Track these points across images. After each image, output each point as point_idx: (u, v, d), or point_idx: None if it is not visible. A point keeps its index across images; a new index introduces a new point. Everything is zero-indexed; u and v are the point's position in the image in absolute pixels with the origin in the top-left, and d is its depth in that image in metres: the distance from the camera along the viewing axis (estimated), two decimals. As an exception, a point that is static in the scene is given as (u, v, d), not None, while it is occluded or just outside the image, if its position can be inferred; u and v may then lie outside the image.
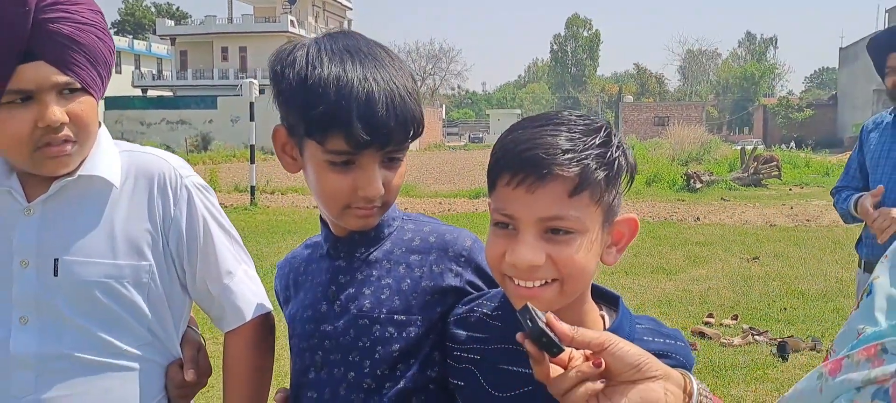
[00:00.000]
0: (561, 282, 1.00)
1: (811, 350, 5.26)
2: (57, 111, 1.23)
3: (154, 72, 57.00)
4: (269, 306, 1.48)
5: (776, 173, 20.12)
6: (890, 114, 3.06)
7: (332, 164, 1.15)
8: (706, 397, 0.90)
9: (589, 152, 0.98)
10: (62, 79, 1.23)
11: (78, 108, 1.26)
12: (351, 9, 67.94)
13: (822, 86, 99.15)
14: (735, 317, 6.15)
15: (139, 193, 1.36)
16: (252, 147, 14.59)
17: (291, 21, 54.62)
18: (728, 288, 7.28)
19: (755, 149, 22.88)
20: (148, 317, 1.35)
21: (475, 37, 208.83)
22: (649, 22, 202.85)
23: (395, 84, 1.14)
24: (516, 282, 1.01)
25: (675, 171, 20.44)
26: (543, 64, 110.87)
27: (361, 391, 1.19)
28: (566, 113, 1.04)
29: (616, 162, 1.01)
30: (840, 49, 63.84)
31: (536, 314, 0.85)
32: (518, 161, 0.98)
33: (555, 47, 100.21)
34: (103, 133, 1.37)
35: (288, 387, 1.35)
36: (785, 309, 6.52)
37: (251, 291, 1.44)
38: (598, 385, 0.85)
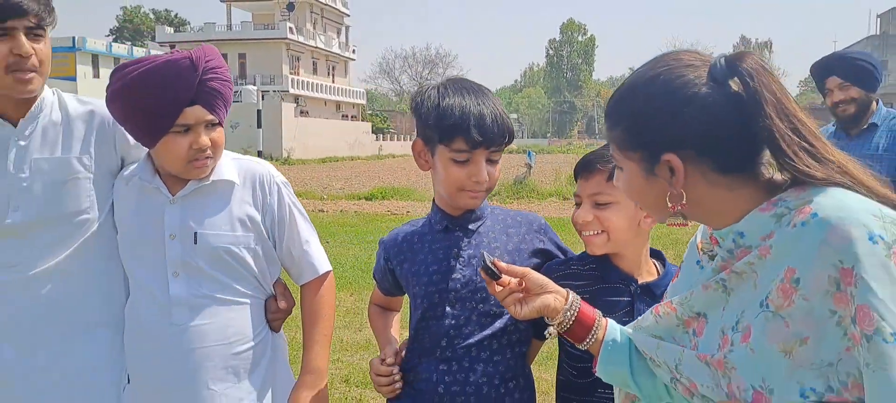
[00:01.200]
0: (607, 234, 1.75)
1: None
2: (205, 139, 1.80)
3: (153, 78, 57.22)
4: (329, 265, 2.05)
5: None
6: (832, 126, 3.60)
7: (454, 161, 1.75)
8: (577, 299, 1.46)
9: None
10: (210, 117, 1.81)
11: (217, 137, 1.84)
12: (348, 15, 68.35)
13: (816, 89, 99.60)
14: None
15: (247, 188, 1.93)
16: (259, 152, 15.04)
17: (290, 28, 55.02)
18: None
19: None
20: (254, 270, 1.92)
21: (471, 42, 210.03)
22: (644, 26, 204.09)
23: (495, 107, 1.76)
24: (584, 234, 1.77)
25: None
26: (539, 68, 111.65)
27: (487, 317, 1.81)
28: None
29: None
30: (834, 53, 64.50)
31: (487, 257, 1.46)
32: (579, 164, 1.82)
33: (550, 52, 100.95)
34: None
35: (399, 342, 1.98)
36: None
37: (320, 255, 2.03)
38: (519, 295, 1.45)
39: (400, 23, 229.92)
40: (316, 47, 59.87)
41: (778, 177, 1.20)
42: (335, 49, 63.96)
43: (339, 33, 66.57)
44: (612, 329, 1.42)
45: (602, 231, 1.76)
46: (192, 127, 1.78)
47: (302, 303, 2.02)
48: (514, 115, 73.90)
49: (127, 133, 1.90)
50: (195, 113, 1.78)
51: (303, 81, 55.17)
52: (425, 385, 1.83)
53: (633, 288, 1.80)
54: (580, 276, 1.82)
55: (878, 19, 58.35)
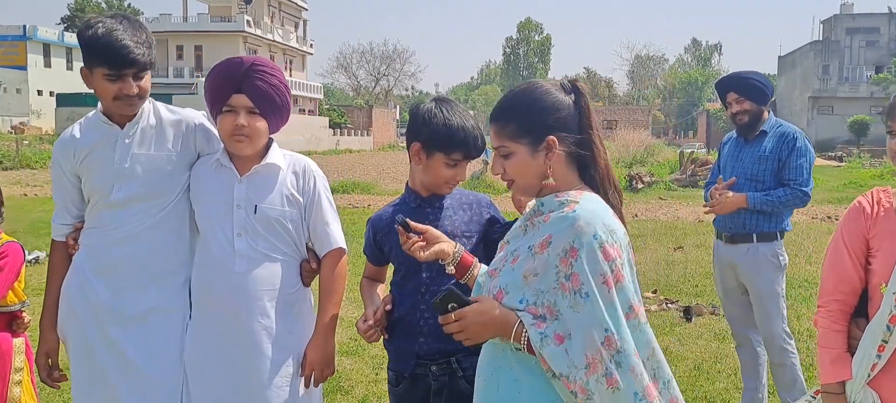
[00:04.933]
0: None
1: (711, 314, 6.48)
2: (243, 120, 2.41)
3: (107, 69, 56.18)
4: (345, 245, 2.61)
5: (711, 175, 21.55)
6: (736, 132, 4.31)
7: (447, 165, 2.43)
8: (462, 248, 2.19)
9: None
10: (249, 104, 2.42)
11: (253, 121, 2.44)
12: (306, 9, 67.98)
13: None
14: (654, 291, 7.37)
15: (291, 174, 2.57)
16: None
17: (247, 21, 54.71)
18: (653, 271, 8.53)
19: (693, 152, 24.36)
20: (294, 236, 2.55)
21: (429, 39, 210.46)
22: (599, 27, 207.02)
23: (479, 126, 2.48)
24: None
25: (619, 173, 21.68)
26: (496, 66, 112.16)
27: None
28: None
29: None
30: (779, 57, 66.58)
31: (401, 218, 2.12)
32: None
33: (507, 50, 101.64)
34: (274, 142, 2.56)
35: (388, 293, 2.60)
36: (697, 285, 7.76)
37: (337, 234, 2.61)
38: (422, 244, 2.13)
39: (358, 18, 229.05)
40: (273, 41, 59.57)
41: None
42: (293, 43, 63.71)
43: (296, 27, 66.20)
44: (483, 271, 2.11)
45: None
46: (235, 109, 2.39)
47: (320, 274, 2.61)
48: (472, 112, 74.30)
49: (203, 130, 2.57)
50: (238, 99, 2.40)
51: (260, 75, 54.66)
52: (409, 321, 2.47)
53: None
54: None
55: (822, 26, 60.56)
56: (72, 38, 57.50)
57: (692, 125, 78.30)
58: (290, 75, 62.28)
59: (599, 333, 1.71)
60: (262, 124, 2.44)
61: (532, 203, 1.99)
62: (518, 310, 1.82)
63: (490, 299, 1.88)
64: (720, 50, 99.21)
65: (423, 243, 2.14)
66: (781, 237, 4.11)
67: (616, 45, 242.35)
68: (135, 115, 2.51)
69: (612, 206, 1.88)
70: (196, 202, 2.55)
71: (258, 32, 56.38)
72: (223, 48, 52.86)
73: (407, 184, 2.60)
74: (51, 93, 47.16)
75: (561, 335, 1.75)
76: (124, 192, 2.49)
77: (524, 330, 1.78)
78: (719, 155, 4.52)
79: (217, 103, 2.43)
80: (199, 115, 2.62)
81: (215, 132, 2.56)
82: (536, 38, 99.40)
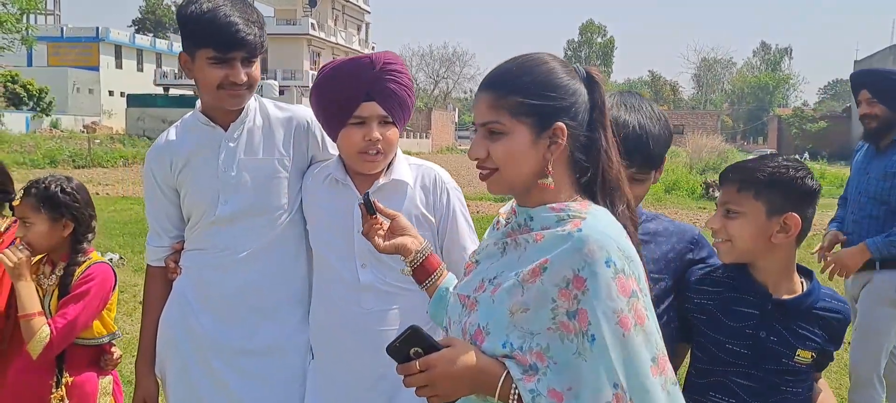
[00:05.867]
0: (731, 243, 1.85)
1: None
2: (377, 133, 1.95)
3: (175, 71, 57.64)
4: None
5: (794, 184, 20.47)
6: (864, 139, 3.65)
7: None
8: (429, 247, 1.73)
9: None
10: (383, 113, 1.96)
11: (388, 133, 1.99)
12: (369, 12, 68.55)
13: (836, 97, 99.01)
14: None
15: (419, 189, 2.13)
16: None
17: (311, 24, 55.25)
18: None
19: (772, 159, 23.17)
20: None
21: (489, 41, 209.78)
22: (664, 29, 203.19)
23: None
24: (713, 240, 1.90)
25: (694, 180, 20.81)
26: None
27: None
28: None
29: None
30: (855, 61, 63.99)
31: (368, 195, 1.71)
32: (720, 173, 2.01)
33: (569, 53, 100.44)
34: (400, 152, 2.09)
35: None
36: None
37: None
38: (384, 230, 1.72)
39: (418, 20, 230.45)
40: (336, 43, 60.01)
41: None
42: (355, 45, 64.09)
43: (359, 30, 66.71)
44: (449, 280, 1.71)
45: (727, 239, 1.84)
46: (366, 120, 1.97)
47: None
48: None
49: (318, 130, 2.16)
50: (370, 107, 1.97)
51: (323, 77, 55.37)
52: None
53: (766, 303, 1.84)
54: (718, 282, 1.90)
55: (903, 28, 57.77)
56: (142, 40, 59.37)
57: (762, 131, 75.90)
58: (352, 77, 62.60)
59: (609, 390, 1.31)
60: (394, 134, 2.04)
61: (505, 210, 1.59)
62: (503, 357, 1.38)
63: (465, 343, 1.42)
64: (790, 53, 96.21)
65: (382, 230, 1.74)
66: None
67: (681, 48, 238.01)
68: (240, 114, 2.09)
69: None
70: (309, 223, 2.13)
71: (322, 35, 56.85)
72: (288, 51, 53.55)
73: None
74: (121, 94, 48.37)
75: (558, 391, 1.33)
76: (231, 206, 2.11)
77: (513, 385, 1.37)
78: (851, 164, 3.84)
79: (339, 114, 1.98)
80: (310, 112, 2.18)
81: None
82: (599, 40, 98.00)
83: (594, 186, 1.48)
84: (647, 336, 1.34)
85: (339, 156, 2.11)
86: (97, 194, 17.48)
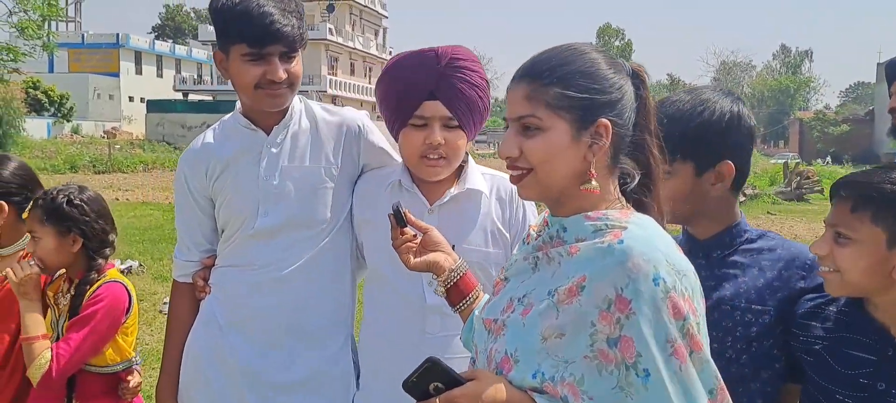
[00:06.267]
0: (840, 274, 1.48)
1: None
2: (439, 136, 1.77)
3: (195, 76, 57.99)
4: None
5: (819, 188, 20.19)
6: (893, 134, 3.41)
7: None
8: (464, 265, 1.56)
9: None
10: (447, 114, 1.77)
11: (452, 137, 1.80)
12: (386, 17, 68.57)
13: (857, 100, 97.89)
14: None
15: (497, 202, 1.93)
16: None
17: (329, 29, 55.32)
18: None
19: (798, 164, 22.91)
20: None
21: (506, 45, 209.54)
22: (682, 32, 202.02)
23: None
24: (819, 269, 1.54)
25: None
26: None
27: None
28: None
29: None
30: (878, 64, 63.15)
31: (399, 205, 1.52)
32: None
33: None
34: (472, 160, 1.90)
35: None
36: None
37: None
38: (415, 245, 1.54)
39: (435, 25, 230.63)
40: (354, 48, 60.13)
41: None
42: (373, 50, 64.16)
43: (376, 35, 66.73)
44: (483, 304, 1.49)
45: (836, 269, 1.48)
46: (428, 121, 1.79)
47: None
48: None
49: (372, 135, 1.98)
50: (433, 107, 1.78)
51: (341, 82, 55.49)
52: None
53: (887, 348, 1.48)
54: (827, 317, 1.57)
55: (927, 30, 56.92)
56: (162, 47, 59.80)
57: (783, 134, 75.11)
58: (370, 82, 62.80)
59: None
60: (461, 140, 1.83)
61: (537, 221, 1.43)
62: (532, 391, 1.20)
63: (490, 374, 1.24)
64: (811, 56, 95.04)
65: (414, 246, 1.56)
66: None
67: (700, 51, 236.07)
68: (283, 115, 1.91)
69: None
70: (366, 235, 1.93)
71: (339, 40, 56.95)
72: (306, 56, 52.81)
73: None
74: (141, 100, 48.70)
75: None
76: (272, 218, 1.90)
77: None
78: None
79: (399, 114, 1.81)
80: (361, 116, 2.01)
81: (383, 139, 1.95)
82: (617, 43, 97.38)
83: (642, 195, 1.32)
84: (703, 365, 1.16)
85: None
86: (117, 200, 17.52)
